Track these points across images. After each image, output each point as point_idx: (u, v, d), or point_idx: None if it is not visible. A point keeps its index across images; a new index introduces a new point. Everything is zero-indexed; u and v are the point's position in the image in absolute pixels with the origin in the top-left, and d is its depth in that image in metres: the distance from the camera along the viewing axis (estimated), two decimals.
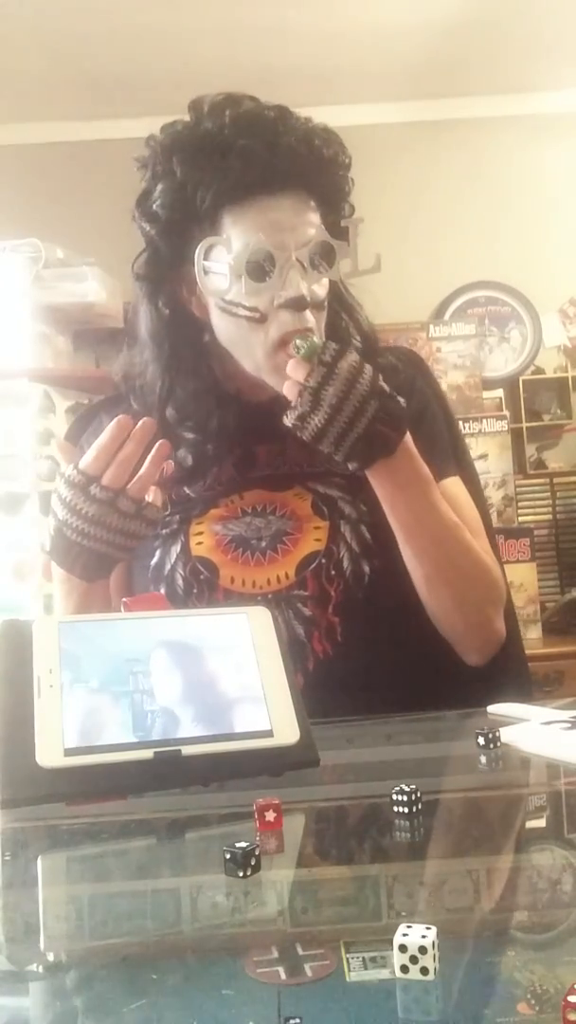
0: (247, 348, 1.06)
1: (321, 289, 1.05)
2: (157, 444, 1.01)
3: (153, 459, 1.01)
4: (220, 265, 1.02)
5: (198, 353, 1.12)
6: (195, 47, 2.90)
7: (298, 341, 0.98)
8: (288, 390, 0.99)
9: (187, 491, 1.14)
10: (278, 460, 1.14)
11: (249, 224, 1.02)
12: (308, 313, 1.02)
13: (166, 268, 1.10)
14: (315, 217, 1.05)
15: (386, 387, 0.99)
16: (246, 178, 1.01)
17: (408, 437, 1.01)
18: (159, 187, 1.05)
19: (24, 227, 2.64)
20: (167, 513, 1.13)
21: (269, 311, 1.02)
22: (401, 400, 1.00)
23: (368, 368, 0.98)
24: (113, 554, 1.01)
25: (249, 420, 1.13)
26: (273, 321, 1.02)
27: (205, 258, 1.02)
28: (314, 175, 1.05)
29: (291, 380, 0.99)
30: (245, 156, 1.01)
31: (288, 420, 0.99)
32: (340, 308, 1.14)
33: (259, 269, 1.01)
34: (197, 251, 1.02)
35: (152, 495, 1.02)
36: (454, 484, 1.17)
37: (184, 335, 1.11)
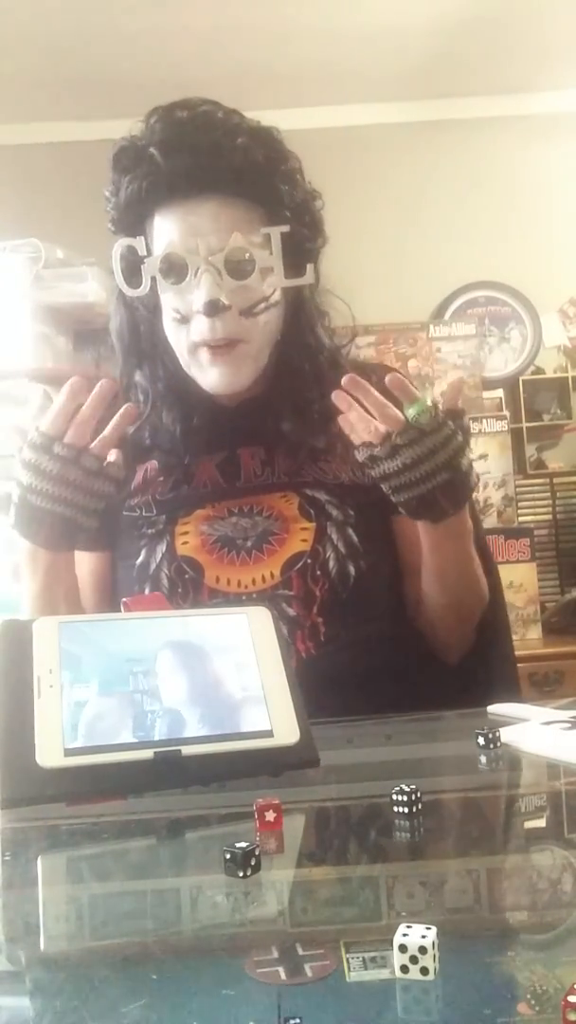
0: (177, 346, 1.10)
1: (246, 295, 1.05)
2: (123, 407, 1.04)
3: (118, 421, 1.03)
4: (144, 267, 1.05)
5: (163, 352, 1.13)
6: (195, 47, 2.90)
7: (412, 409, 1.01)
8: (361, 432, 1.02)
9: (169, 492, 1.15)
10: (266, 470, 1.15)
11: (169, 227, 1.05)
12: (228, 318, 1.04)
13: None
14: (245, 223, 1.04)
15: (464, 464, 1.03)
16: (151, 183, 1.05)
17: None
18: (106, 193, 1.11)
19: (24, 227, 2.64)
20: (152, 515, 1.13)
21: (189, 314, 1.05)
22: (473, 479, 1.05)
23: (456, 442, 1.01)
24: (77, 518, 1.02)
25: (227, 422, 1.15)
26: (193, 325, 1.06)
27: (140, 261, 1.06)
28: (238, 180, 1.04)
29: (364, 418, 1.02)
30: (150, 162, 1.04)
31: (360, 455, 1.03)
32: (300, 318, 1.14)
33: (174, 272, 1.04)
34: (113, 252, 1.06)
35: (114, 456, 1.03)
36: None
37: (147, 334, 1.14)
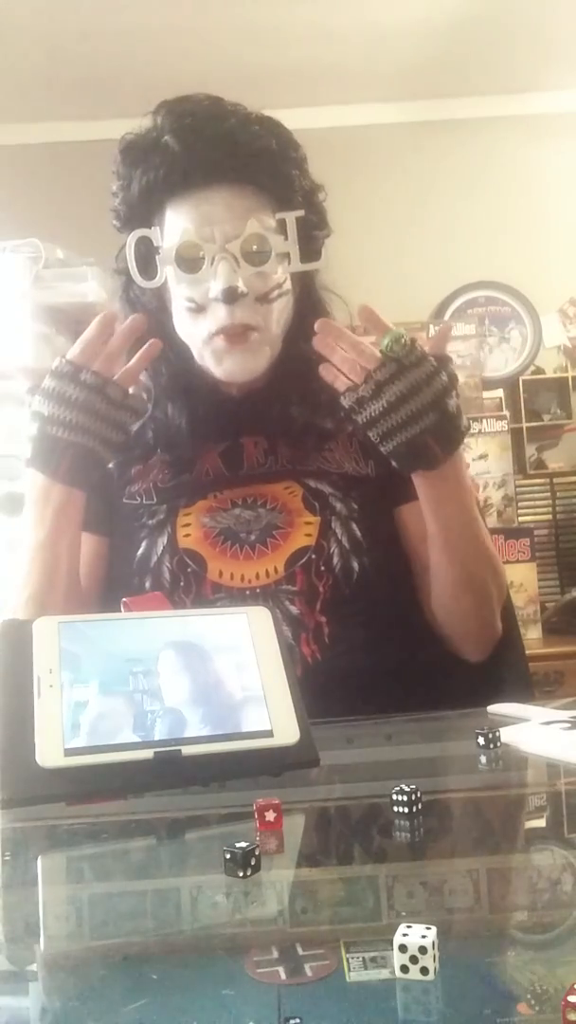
0: (191, 337, 1.09)
1: (263, 282, 1.05)
2: (149, 342, 1.05)
3: (142, 354, 1.05)
4: (159, 258, 1.05)
5: (169, 347, 1.13)
6: (195, 47, 2.90)
7: (385, 339, 0.98)
8: (343, 368, 1.00)
9: (171, 480, 1.14)
10: (270, 459, 1.14)
11: (182, 217, 1.05)
12: (246, 305, 1.04)
13: None
14: (259, 210, 1.05)
15: (452, 406, 0.99)
16: (167, 172, 1.05)
17: (458, 454, 1.03)
18: (113, 187, 1.11)
19: (24, 227, 2.64)
20: (153, 503, 1.13)
21: (206, 303, 1.05)
22: (464, 422, 1.01)
23: (441, 381, 0.99)
24: (98, 450, 1.02)
25: (231, 410, 1.14)
26: (210, 313, 1.05)
27: (154, 252, 1.06)
28: (252, 167, 1.04)
29: (348, 359, 1.00)
30: (165, 151, 1.04)
31: (345, 401, 1.01)
32: (307, 306, 1.14)
33: (189, 262, 1.04)
34: (127, 243, 1.06)
35: (134, 390, 1.05)
36: None
37: (152, 331, 1.12)
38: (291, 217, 1.04)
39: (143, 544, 1.11)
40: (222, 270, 1.02)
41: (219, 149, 1.03)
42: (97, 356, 1.02)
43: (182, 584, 1.07)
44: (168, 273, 1.06)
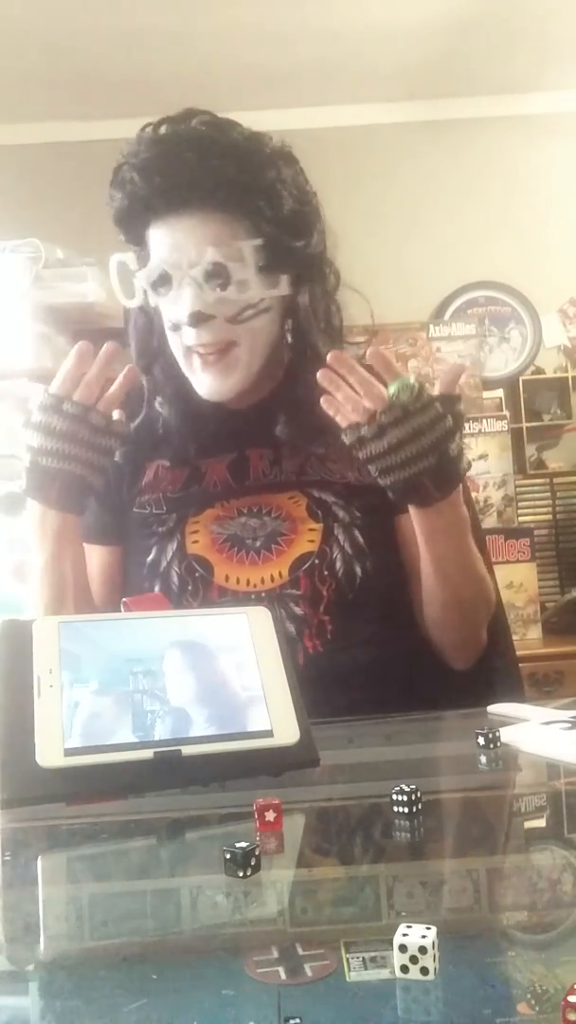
0: (175, 351, 1.13)
1: (229, 305, 1.07)
2: (126, 368, 1.09)
3: (121, 382, 1.08)
4: (135, 280, 1.10)
5: (170, 357, 1.16)
6: (195, 47, 2.90)
7: (392, 386, 0.99)
8: (348, 413, 1.02)
9: (180, 490, 1.17)
10: (275, 470, 1.16)
11: (158, 240, 1.09)
12: (215, 326, 1.07)
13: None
14: (224, 236, 1.05)
15: (453, 449, 1.01)
16: (131, 202, 1.08)
17: (455, 492, 1.04)
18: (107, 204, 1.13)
19: (24, 227, 2.64)
20: (163, 512, 1.15)
21: (180, 323, 1.09)
22: (463, 464, 1.04)
23: (445, 426, 1.00)
24: (87, 475, 1.06)
25: (236, 425, 1.17)
26: (184, 332, 1.09)
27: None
28: (215, 196, 1.05)
29: (351, 397, 1.02)
30: (130, 182, 1.07)
31: (347, 438, 1.03)
32: (298, 324, 1.15)
33: (162, 284, 1.08)
34: (110, 266, 1.10)
35: (118, 414, 1.08)
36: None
37: (160, 334, 1.16)
38: (248, 247, 1.05)
39: (153, 550, 1.14)
40: (187, 295, 1.06)
41: (176, 182, 1.05)
42: (77, 386, 1.06)
43: (190, 588, 1.10)
44: (147, 293, 1.09)
